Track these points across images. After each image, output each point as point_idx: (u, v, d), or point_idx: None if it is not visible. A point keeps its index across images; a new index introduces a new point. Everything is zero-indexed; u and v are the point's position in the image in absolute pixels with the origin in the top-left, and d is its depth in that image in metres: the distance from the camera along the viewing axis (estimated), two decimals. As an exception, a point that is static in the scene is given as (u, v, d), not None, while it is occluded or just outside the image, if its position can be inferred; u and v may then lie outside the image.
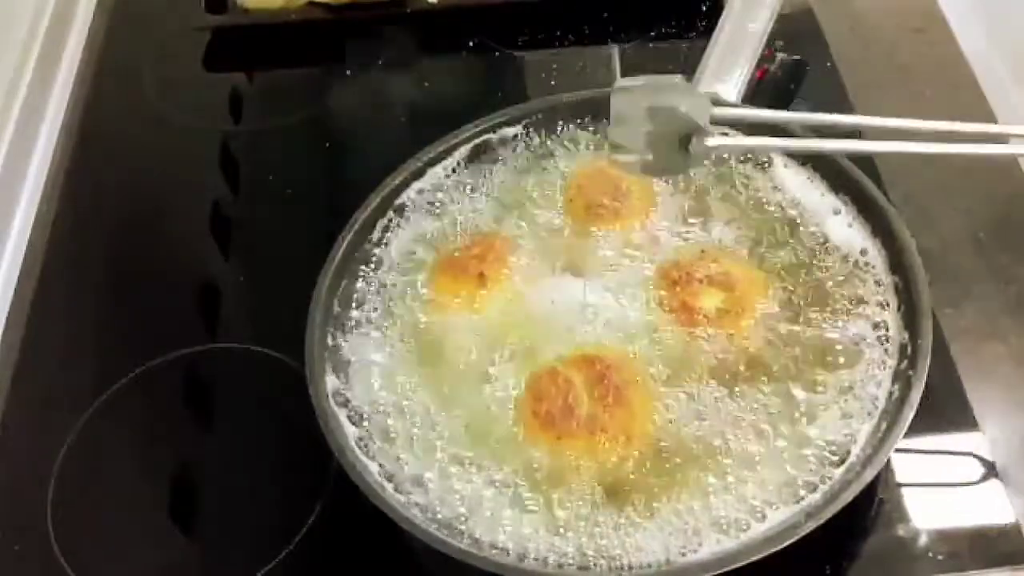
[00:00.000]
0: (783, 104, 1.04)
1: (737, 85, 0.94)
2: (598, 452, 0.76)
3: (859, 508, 0.75)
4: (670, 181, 0.90)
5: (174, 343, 0.94)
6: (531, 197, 0.92)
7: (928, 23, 1.12)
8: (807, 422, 0.76)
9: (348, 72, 1.18)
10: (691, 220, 0.88)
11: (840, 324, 0.81)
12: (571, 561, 0.72)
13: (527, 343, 0.82)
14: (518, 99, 1.03)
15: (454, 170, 0.94)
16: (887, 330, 0.80)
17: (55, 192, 1.09)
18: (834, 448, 0.75)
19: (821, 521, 0.69)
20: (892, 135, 0.74)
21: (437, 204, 0.92)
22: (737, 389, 0.78)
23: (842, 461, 0.74)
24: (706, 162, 0.89)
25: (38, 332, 0.98)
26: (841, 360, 0.79)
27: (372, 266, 0.89)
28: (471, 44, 1.17)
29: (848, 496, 0.70)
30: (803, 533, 0.69)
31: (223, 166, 1.12)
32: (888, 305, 0.81)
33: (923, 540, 0.77)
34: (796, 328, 0.81)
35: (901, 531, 0.78)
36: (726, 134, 0.72)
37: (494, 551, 0.73)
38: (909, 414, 0.73)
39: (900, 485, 0.80)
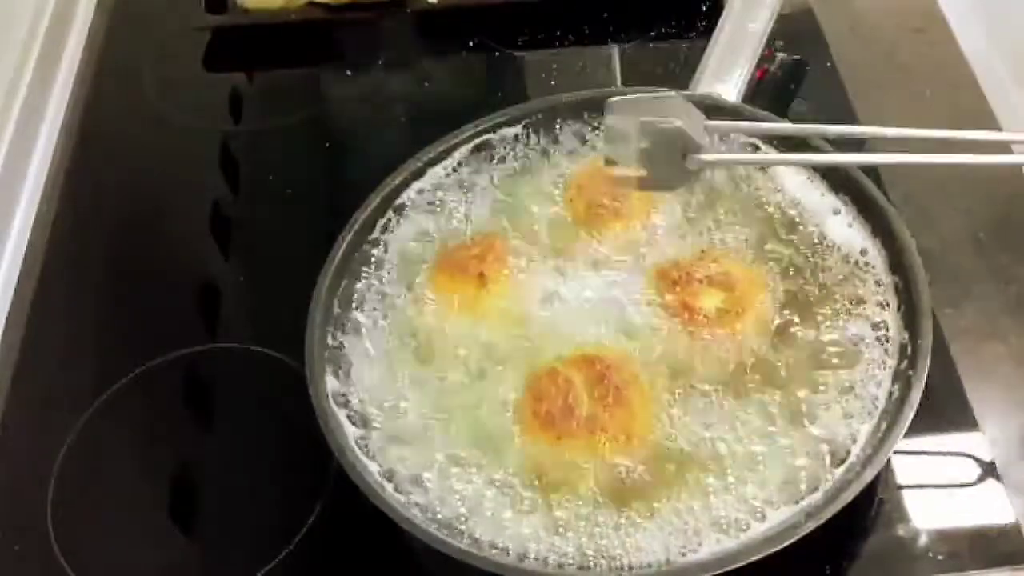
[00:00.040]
0: (783, 104, 1.05)
1: (737, 85, 0.95)
2: (598, 452, 0.76)
3: (859, 508, 0.75)
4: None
5: (174, 343, 0.94)
6: (531, 197, 0.92)
7: (928, 23, 1.12)
8: (807, 422, 0.76)
9: (348, 72, 1.18)
10: (691, 220, 0.88)
11: (840, 324, 0.80)
12: (571, 561, 0.72)
13: (527, 343, 0.82)
14: (518, 99, 1.03)
15: (454, 170, 0.94)
16: (887, 330, 0.80)
17: (55, 192, 1.09)
18: (834, 448, 0.75)
19: (821, 521, 0.69)
20: (894, 143, 0.74)
21: (437, 204, 0.92)
22: (737, 389, 0.78)
23: (842, 461, 0.74)
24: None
25: (38, 332, 0.98)
26: (841, 360, 0.79)
27: (372, 266, 0.89)
28: (471, 44, 1.17)
29: (848, 496, 0.70)
30: (803, 533, 0.69)
31: (223, 166, 1.12)
32: (888, 305, 0.81)
33: (923, 540, 0.77)
34: (796, 328, 0.81)
35: (901, 531, 0.78)
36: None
37: (494, 551, 0.73)
38: (909, 414, 0.73)
39: (900, 485, 0.80)
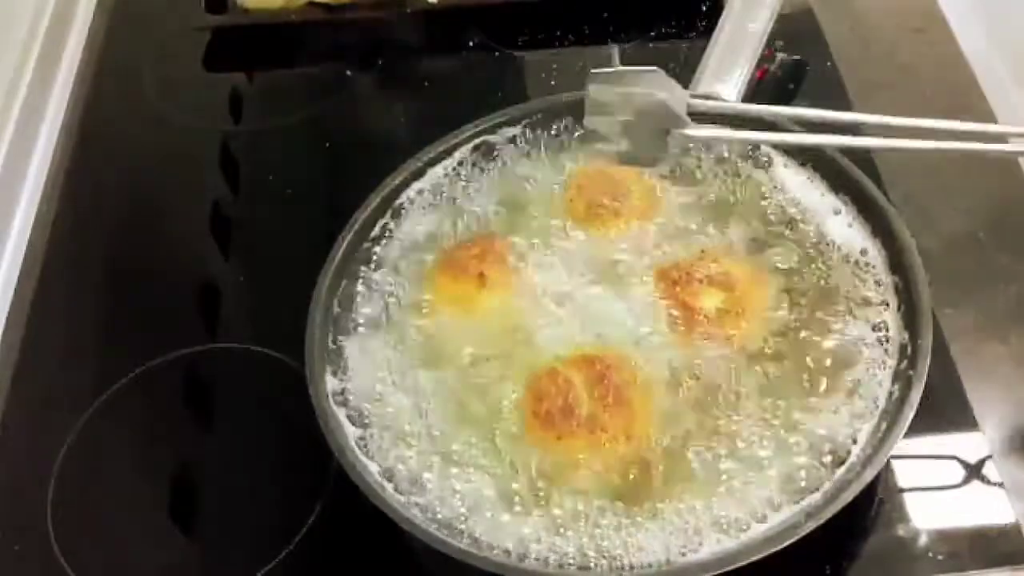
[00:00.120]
0: (783, 104, 1.04)
1: (737, 85, 0.94)
2: (598, 452, 0.76)
3: (859, 508, 0.75)
4: (668, 178, 0.90)
5: (174, 343, 0.94)
6: (531, 197, 0.92)
7: (928, 23, 1.12)
8: (807, 422, 0.76)
9: (348, 72, 1.18)
10: (691, 220, 0.88)
11: (840, 324, 0.80)
12: (572, 561, 0.72)
13: (527, 343, 0.82)
14: (518, 99, 1.03)
15: (454, 170, 0.94)
16: (887, 330, 0.80)
17: (55, 192, 1.09)
18: (834, 448, 0.75)
19: (821, 521, 0.69)
20: (885, 132, 0.74)
21: (437, 204, 0.92)
22: (737, 389, 0.78)
23: (842, 461, 0.74)
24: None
25: (38, 332, 0.98)
26: (841, 360, 0.79)
27: (372, 266, 0.89)
28: (471, 44, 1.17)
29: (848, 496, 0.70)
30: (803, 533, 0.69)
31: (223, 166, 1.12)
32: (888, 305, 0.81)
33: (923, 540, 0.77)
34: (796, 328, 0.81)
35: (901, 531, 0.78)
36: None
37: (494, 551, 0.73)
38: (909, 414, 0.73)
39: (900, 485, 0.80)
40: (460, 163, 0.94)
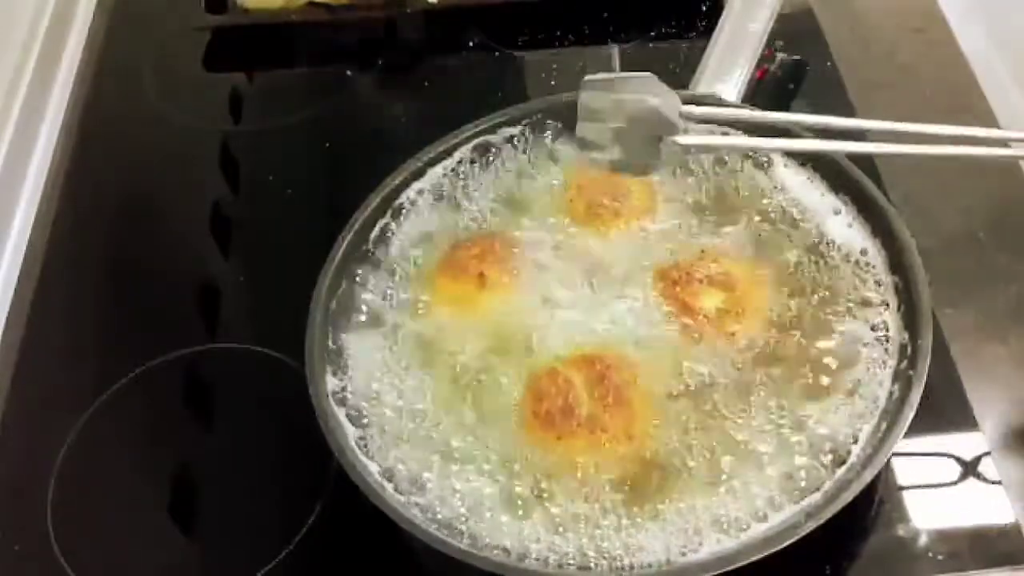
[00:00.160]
0: (783, 104, 1.05)
1: (737, 85, 0.95)
2: (598, 452, 0.76)
3: (859, 508, 0.75)
4: (668, 178, 0.90)
5: (174, 343, 0.94)
6: (531, 197, 0.92)
7: (928, 23, 1.12)
8: (807, 422, 0.76)
9: (348, 72, 1.18)
10: (691, 220, 0.88)
11: (840, 324, 0.80)
12: (572, 561, 0.72)
13: (527, 343, 0.82)
14: (518, 99, 1.03)
15: (454, 170, 0.94)
16: (887, 330, 0.80)
17: (55, 192, 1.09)
18: (835, 448, 0.74)
19: (821, 521, 0.69)
20: (885, 137, 0.74)
21: (437, 204, 0.92)
22: (737, 389, 0.78)
23: (842, 461, 0.74)
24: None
25: (38, 332, 0.98)
26: (841, 360, 0.79)
27: (372, 266, 0.89)
28: (471, 44, 1.17)
29: (848, 496, 0.70)
30: (803, 533, 0.69)
31: (223, 166, 1.12)
32: (888, 305, 0.81)
33: (923, 540, 0.77)
34: (796, 328, 0.81)
35: (901, 531, 0.78)
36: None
37: (494, 551, 0.73)
38: (909, 414, 0.73)
39: (900, 485, 0.80)
40: (460, 163, 0.94)
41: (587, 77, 0.75)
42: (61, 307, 1.01)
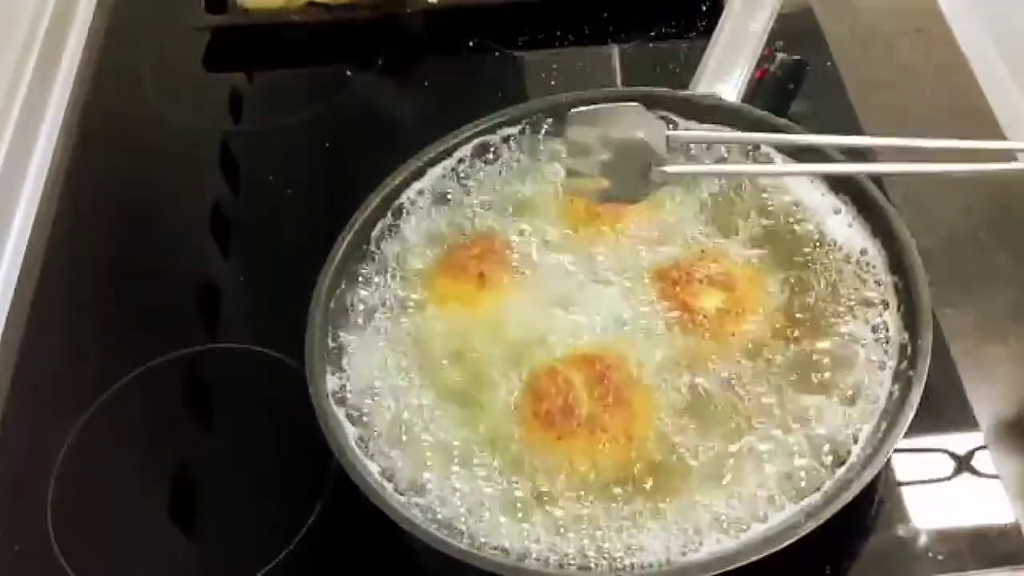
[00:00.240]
0: (783, 104, 1.05)
1: (737, 85, 0.94)
2: (598, 452, 0.76)
3: (859, 508, 0.75)
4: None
5: (174, 343, 0.94)
6: (531, 197, 0.92)
7: (928, 23, 1.12)
8: (807, 422, 0.76)
9: (348, 72, 1.18)
10: (691, 220, 0.88)
11: (840, 324, 0.80)
12: (572, 561, 0.72)
13: (527, 343, 0.82)
14: (518, 99, 1.03)
15: (454, 170, 0.94)
16: (887, 330, 0.80)
17: (55, 192, 1.09)
18: (834, 448, 0.74)
19: (821, 521, 0.69)
20: (888, 151, 0.74)
21: (437, 204, 0.92)
22: (736, 389, 0.78)
23: (842, 461, 0.74)
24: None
25: (38, 332, 0.98)
26: (841, 360, 0.79)
27: (372, 266, 0.89)
28: (471, 44, 1.17)
29: (848, 496, 0.70)
30: (803, 533, 0.69)
31: (223, 166, 1.12)
32: (888, 305, 0.81)
33: (923, 540, 0.77)
34: (796, 328, 0.81)
35: (901, 531, 0.78)
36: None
37: (494, 551, 0.73)
38: (909, 414, 0.73)
39: (900, 485, 0.80)
40: (460, 163, 0.94)
41: (572, 111, 0.75)
42: (61, 307, 1.01)
